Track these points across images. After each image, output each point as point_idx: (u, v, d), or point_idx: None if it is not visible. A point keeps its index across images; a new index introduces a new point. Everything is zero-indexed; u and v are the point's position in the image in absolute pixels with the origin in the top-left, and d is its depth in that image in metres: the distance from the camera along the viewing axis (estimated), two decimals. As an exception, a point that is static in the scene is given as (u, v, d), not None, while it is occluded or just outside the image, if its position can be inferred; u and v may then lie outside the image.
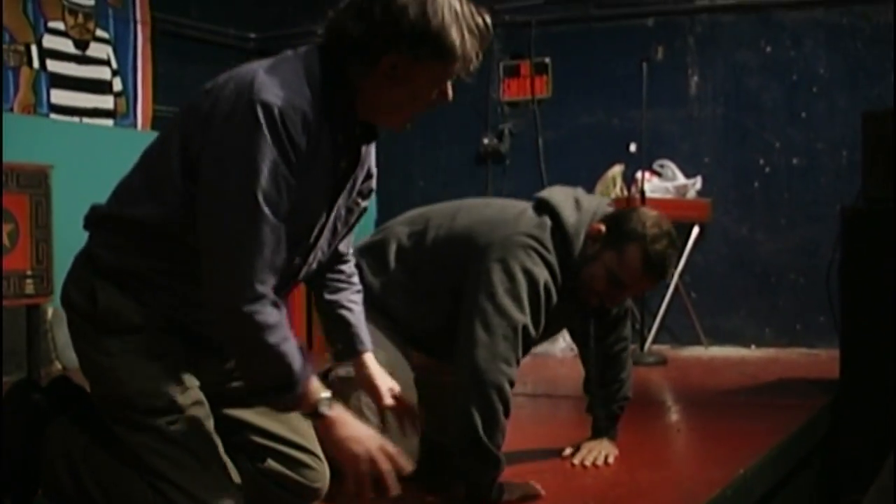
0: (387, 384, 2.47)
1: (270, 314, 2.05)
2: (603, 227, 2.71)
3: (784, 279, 6.19)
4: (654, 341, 6.09)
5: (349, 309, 2.49)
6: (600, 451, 2.97)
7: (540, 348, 2.70)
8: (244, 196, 1.99)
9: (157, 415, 2.14)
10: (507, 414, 2.54)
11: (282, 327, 2.07)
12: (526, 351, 2.62)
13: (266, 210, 2.01)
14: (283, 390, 2.09)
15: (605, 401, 3.04)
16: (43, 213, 4.10)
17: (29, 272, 4.04)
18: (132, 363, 2.16)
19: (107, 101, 5.94)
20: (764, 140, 6.23)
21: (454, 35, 2.07)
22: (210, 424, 2.22)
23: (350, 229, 2.43)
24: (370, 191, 2.39)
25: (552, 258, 2.67)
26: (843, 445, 4.11)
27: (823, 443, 4.01)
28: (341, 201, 2.25)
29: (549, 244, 2.67)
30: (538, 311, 2.62)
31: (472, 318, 2.58)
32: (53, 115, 5.56)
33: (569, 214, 2.73)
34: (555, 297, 2.66)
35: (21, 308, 4.20)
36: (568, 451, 2.99)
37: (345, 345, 2.50)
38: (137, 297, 2.18)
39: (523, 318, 2.58)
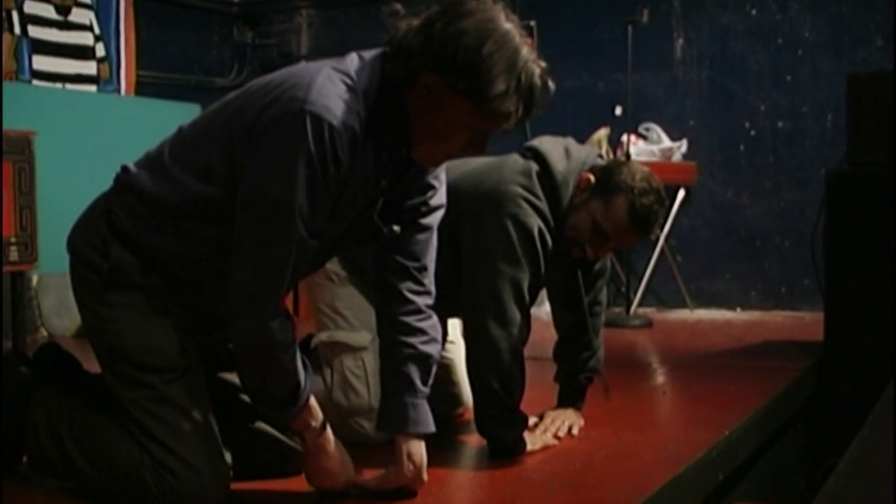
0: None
1: (288, 331, 2.09)
2: (591, 177, 2.69)
3: (769, 243, 6.20)
4: (640, 304, 6.11)
5: (407, 374, 2.28)
6: (563, 422, 2.90)
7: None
8: (281, 209, 1.98)
9: (153, 372, 2.14)
10: (523, 372, 2.63)
11: (294, 343, 2.12)
12: (533, 300, 2.66)
13: (300, 226, 2.00)
14: (286, 404, 2.13)
15: (573, 371, 2.98)
16: (26, 180, 4.08)
17: (13, 239, 4.03)
18: (134, 317, 2.16)
19: (90, 67, 5.90)
20: (749, 104, 6.22)
21: (499, 86, 1.97)
22: (204, 388, 2.21)
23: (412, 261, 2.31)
24: (421, 220, 2.29)
25: (542, 205, 2.64)
26: (827, 407, 4.14)
27: (808, 404, 4.04)
28: (373, 216, 2.19)
29: (538, 190, 2.65)
30: (537, 260, 2.62)
31: (475, 285, 2.59)
32: (36, 82, 5.51)
33: (557, 161, 2.70)
34: (550, 242, 2.65)
35: (5, 275, 4.18)
36: (532, 420, 2.86)
37: (389, 414, 2.31)
38: (147, 263, 2.18)
39: (524, 274, 2.59)
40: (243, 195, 2.02)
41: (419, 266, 2.32)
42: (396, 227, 2.22)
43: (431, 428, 2.29)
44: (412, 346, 2.28)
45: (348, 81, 2.01)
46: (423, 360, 2.30)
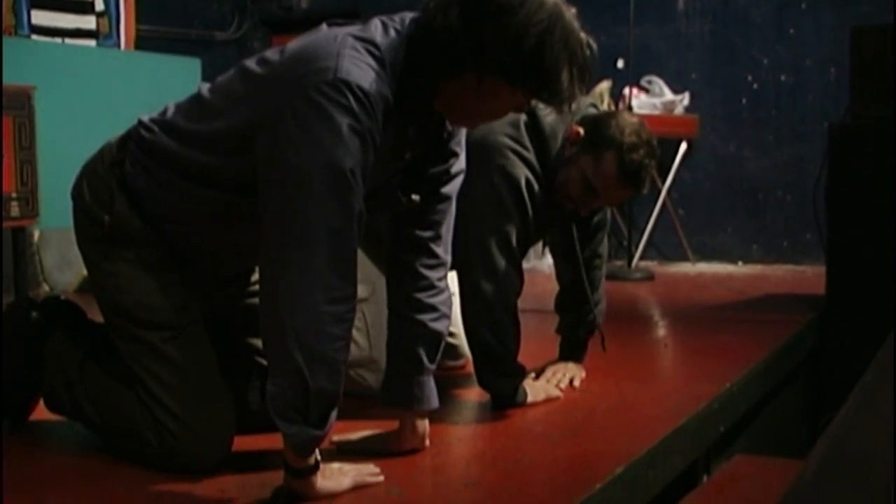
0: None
1: (350, 324, 1.92)
2: (581, 130, 2.64)
3: (771, 196, 6.20)
4: (642, 257, 6.12)
5: (421, 350, 2.23)
6: (564, 374, 2.91)
7: (528, 264, 2.70)
8: (338, 179, 1.83)
9: (153, 329, 2.11)
10: (516, 324, 2.63)
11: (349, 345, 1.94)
12: (524, 252, 2.65)
13: (360, 196, 1.87)
14: (314, 425, 1.89)
15: (574, 325, 2.98)
16: (27, 135, 4.06)
17: (14, 194, 4.02)
18: (132, 272, 2.13)
19: (89, 22, 5.85)
20: (752, 57, 6.20)
21: (564, 77, 1.91)
22: (207, 346, 2.18)
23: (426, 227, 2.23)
24: (442, 189, 2.22)
25: (530, 155, 2.62)
26: (828, 360, 4.15)
27: (809, 358, 4.05)
28: (394, 187, 2.12)
29: (526, 141, 2.62)
30: (525, 211, 2.60)
31: (464, 239, 2.55)
32: (35, 36, 5.48)
33: (546, 113, 2.65)
34: (539, 192, 2.63)
35: (7, 231, 4.19)
36: (532, 375, 2.86)
37: (394, 391, 2.27)
38: (149, 222, 2.13)
39: (512, 226, 2.57)
40: (285, 183, 1.86)
41: (434, 236, 2.25)
42: (415, 197, 2.15)
43: (436, 404, 2.27)
44: (422, 324, 2.23)
45: (375, 52, 1.92)
46: (433, 338, 2.25)
